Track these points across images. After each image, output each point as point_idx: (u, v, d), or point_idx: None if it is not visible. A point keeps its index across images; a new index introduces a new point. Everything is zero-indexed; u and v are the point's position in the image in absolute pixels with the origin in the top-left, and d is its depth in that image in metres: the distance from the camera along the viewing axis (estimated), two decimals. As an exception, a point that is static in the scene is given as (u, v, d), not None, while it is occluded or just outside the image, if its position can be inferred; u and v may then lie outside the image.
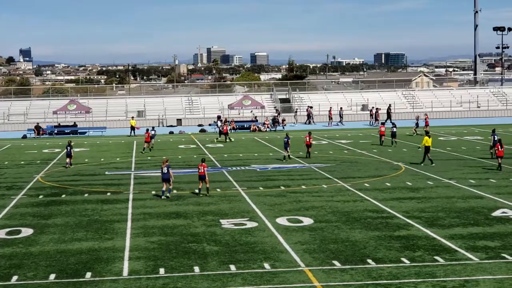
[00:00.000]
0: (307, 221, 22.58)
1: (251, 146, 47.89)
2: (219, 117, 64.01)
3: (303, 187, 29.55)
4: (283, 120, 65.22)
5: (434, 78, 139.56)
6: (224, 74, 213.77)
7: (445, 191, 27.79)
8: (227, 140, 51.50)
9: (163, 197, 27.24)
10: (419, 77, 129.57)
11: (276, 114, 67.44)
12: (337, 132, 57.84)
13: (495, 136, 37.41)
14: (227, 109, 69.41)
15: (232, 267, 17.32)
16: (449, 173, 32.68)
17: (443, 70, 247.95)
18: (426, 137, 35.87)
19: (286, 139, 38.59)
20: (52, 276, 16.85)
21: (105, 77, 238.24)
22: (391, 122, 56.76)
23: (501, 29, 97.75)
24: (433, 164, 35.04)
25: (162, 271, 17.11)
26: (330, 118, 66.17)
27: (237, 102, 70.62)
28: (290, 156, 38.88)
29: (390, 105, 68.79)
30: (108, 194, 28.77)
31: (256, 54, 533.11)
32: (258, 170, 35.19)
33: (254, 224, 22.29)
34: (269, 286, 15.88)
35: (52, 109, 68.77)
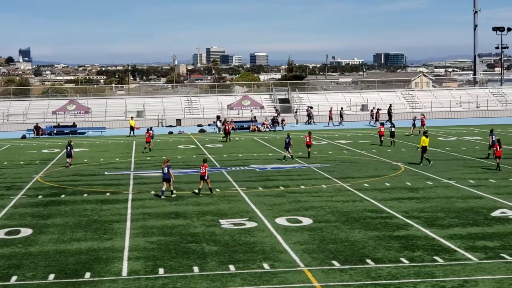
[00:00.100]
0: (306, 221, 22.57)
1: (250, 146, 47.90)
2: (218, 117, 64.07)
3: (303, 187, 29.55)
4: (283, 120, 65.22)
5: (433, 78, 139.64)
6: (223, 74, 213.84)
7: (444, 191, 27.79)
8: (228, 139, 51.62)
9: (162, 197, 27.24)
10: (418, 77, 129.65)
11: (276, 114, 67.44)
12: (336, 132, 57.85)
13: (493, 136, 37.49)
14: (227, 109, 69.40)
15: (232, 267, 17.31)
16: (448, 173, 32.68)
17: (442, 70, 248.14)
18: (424, 137, 35.92)
19: (287, 139, 38.60)
20: (51, 276, 16.84)
21: (105, 77, 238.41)
22: (390, 122, 56.75)
23: (501, 29, 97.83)
24: (430, 164, 35.06)
25: (161, 271, 17.10)
26: (331, 118, 66.19)
27: (236, 102, 70.62)
28: (292, 156, 38.87)
29: (391, 105, 68.82)
30: (108, 194, 28.76)
31: (255, 54, 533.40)
32: (257, 170, 35.19)
33: (254, 224, 22.28)
34: (269, 286, 15.87)
35: (52, 109, 68.77)
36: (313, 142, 42.17)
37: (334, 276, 16.49)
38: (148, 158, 41.76)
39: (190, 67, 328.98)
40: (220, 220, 22.92)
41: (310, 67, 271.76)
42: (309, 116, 68.69)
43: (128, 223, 22.76)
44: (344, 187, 29.41)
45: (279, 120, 64.93)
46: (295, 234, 20.70)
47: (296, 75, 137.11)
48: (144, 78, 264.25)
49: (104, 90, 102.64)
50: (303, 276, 16.48)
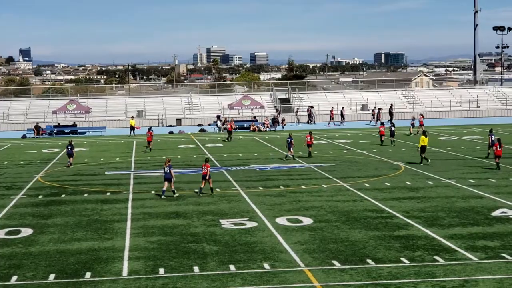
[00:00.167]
0: (306, 221, 22.57)
1: (250, 146, 47.89)
2: (218, 117, 64.07)
3: (303, 187, 29.54)
4: (283, 120, 65.22)
5: (433, 78, 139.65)
6: (223, 74, 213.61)
7: (444, 191, 27.79)
8: (229, 139, 51.74)
9: (162, 196, 27.26)
10: (418, 77, 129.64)
11: (276, 114, 67.43)
12: (336, 132, 57.85)
13: (493, 136, 37.57)
14: (227, 109, 69.40)
15: (232, 267, 17.31)
16: (448, 172, 32.68)
17: (442, 70, 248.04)
18: (423, 136, 35.99)
19: (289, 139, 38.60)
20: (51, 276, 16.84)
21: (105, 77, 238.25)
22: (391, 121, 56.76)
23: (501, 28, 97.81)
24: (428, 163, 35.10)
25: (161, 271, 17.10)
26: (332, 118, 66.17)
27: (236, 102, 70.60)
28: (293, 156, 38.88)
29: (392, 104, 68.82)
30: (108, 194, 28.76)
31: (255, 54, 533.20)
32: (257, 170, 35.19)
33: (254, 224, 22.28)
34: (269, 286, 15.87)
35: (52, 109, 68.77)
36: (314, 142, 42.14)
37: (335, 276, 16.49)
38: (149, 158, 41.77)
39: (190, 67, 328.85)
40: (221, 220, 22.92)
41: (311, 67, 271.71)
42: (310, 115, 68.66)
43: (129, 223, 22.76)
44: (345, 186, 29.41)
45: (279, 119, 64.93)
46: (295, 234, 20.70)
47: (297, 75, 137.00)
48: (144, 77, 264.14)
49: (104, 89, 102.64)
50: (304, 276, 16.48)
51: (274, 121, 63.93)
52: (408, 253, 18.35)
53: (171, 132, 61.03)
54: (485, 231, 20.75)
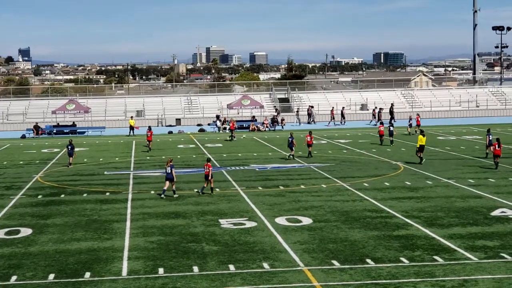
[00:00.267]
0: (306, 220, 22.58)
1: (250, 146, 47.90)
2: (218, 117, 64.07)
3: (302, 186, 29.55)
4: (282, 119, 65.22)
5: (433, 77, 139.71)
6: (223, 74, 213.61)
7: (444, 191, 27.80)
8: (232, 138, 51.90)
9: (162, 195, 27.29)
10: (418, 76, 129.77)
11: (276, 114, 67.42)
12: (336, 132, 57.86)
13: (490, 136, 37.66)
14: (226, 109, 69.39)
15: (231, 267, 17.31)
16: (448, 172, 32.69)
17: (442, 70, 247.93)
18: (420, 136, 36.08)
19: (290, 139, 38.62)
20: (51, 276, 16.85)
21: (104, 76, 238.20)
22: (390, 121, 56.76)
23: (500, 28, 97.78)
24: (422, 162, 35.20)
25: (161, 271, 17.11)
26: (333, 117, 66.17)
27: (236, 101, 70.59)
28: (294, 155, 38.90)
29: (392, 104, 68.82)
30: (107, 194, 28.76)
31: (255, 53, 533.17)
32: (257, 169, 35.19)
33: (253, 224, 22.29)
34: (268, 285, 15.88)
35: (51, 108, 68.75)
36: (313, 142, 42.12)
37: (334, 275, 16.49)
38: (148, 157, 41.76)
39: (189, 67, 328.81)
40: (220, 220, 22.92)
41: (310, 67, 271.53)
42: (310, 115, 68.63)
43: (128, 223, 22.76)
44: (344, 186, 29.41)
45: (279, 119, 64.93)
46: (295, 234, 20.70)
47: (296, 75, 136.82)
48: (143, 77, 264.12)
49: (103, 89, 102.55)
50: (303, 276, 16.49)
51: (274, 121, 63.93)
52: (408, 253, 18.35)
53: (170, 132, 61.03)
54: (485, 231, 20.75)
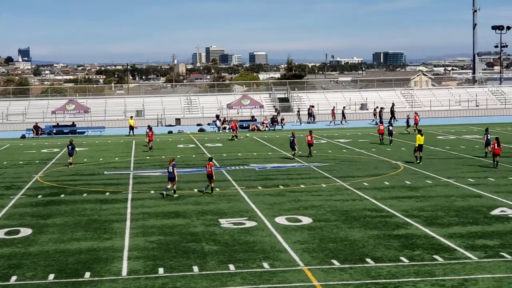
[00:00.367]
0: (306, 220, 22.58)
1: (250, 146, 47.90)
2: (217, 117, 64.07)
3: (302, 186, 29.55)
4: (282, 119, 65.21)
5: (432, 77, 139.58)
6: (223, 74, 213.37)
7: (444, 190, 27.80)
8: (234, 137, 51.98)
9: (164, 193, 27.38)
10: (417, 76, 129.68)
11: (275, 114, 67.41)
12: (336, 131, 57.86)
13: (488, 135, 37.71)
14: (226, 109, 69.39)
15: (231, 267, 17.32)
16: (448, 172, 32.69)
17: (441, 69, 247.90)
18: (419, 135, 36.13)
19: (292, 138, 38.64)
20: (51, 276, 16.85)
21: (104, 76, 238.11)
22: (389, 121, 56.74)
23: (500, 28, 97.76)
24: (416, 162, 35.26)
25: (161, 270, 17.11)
26: (334, 117, 66.15)
27: (236, 101, 70.58)
28: (294, 155, 38.91)
29: (393, 103, 68.81)
30: (107, 193, 28.76)
31: (254, 53, 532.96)
32: (257, 169, 35.19)
33: (253, 223, 22.29)
34: (268, 285, 15.88)
35: (51, 109, 68.76)
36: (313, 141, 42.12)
37: (334, 275, 16.49)
38: (148, 157, 41.76)
39: (189, 67, 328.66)
40: (220, 220, 22.92)
41: (310, 66, 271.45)
42: (310, 115, 68.60)
43: (128, 223, 22.76)
44: (344, 186, 29.42)
45: (279, 119, 64.92)
46: (294, 233, 20.70)
47: (296, 74, 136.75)
48: (143, 77, 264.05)
49: (103, 89, 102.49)
50: (303, 275, 16.49)
51: (273, 120, 63.93)
52: (408, 252, 18.36)
53: (170, 132, 61.03)
54: (484, 230, 20.76)
